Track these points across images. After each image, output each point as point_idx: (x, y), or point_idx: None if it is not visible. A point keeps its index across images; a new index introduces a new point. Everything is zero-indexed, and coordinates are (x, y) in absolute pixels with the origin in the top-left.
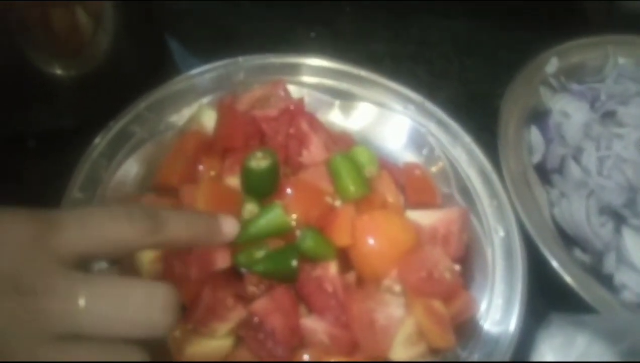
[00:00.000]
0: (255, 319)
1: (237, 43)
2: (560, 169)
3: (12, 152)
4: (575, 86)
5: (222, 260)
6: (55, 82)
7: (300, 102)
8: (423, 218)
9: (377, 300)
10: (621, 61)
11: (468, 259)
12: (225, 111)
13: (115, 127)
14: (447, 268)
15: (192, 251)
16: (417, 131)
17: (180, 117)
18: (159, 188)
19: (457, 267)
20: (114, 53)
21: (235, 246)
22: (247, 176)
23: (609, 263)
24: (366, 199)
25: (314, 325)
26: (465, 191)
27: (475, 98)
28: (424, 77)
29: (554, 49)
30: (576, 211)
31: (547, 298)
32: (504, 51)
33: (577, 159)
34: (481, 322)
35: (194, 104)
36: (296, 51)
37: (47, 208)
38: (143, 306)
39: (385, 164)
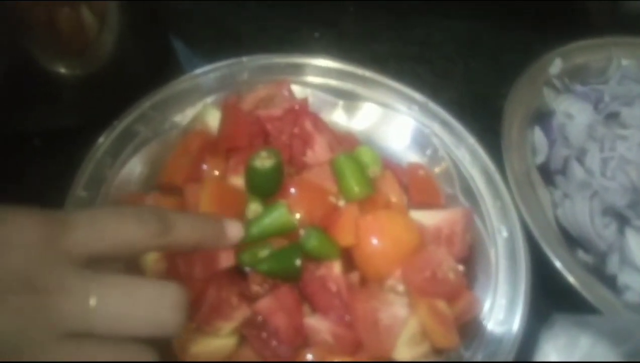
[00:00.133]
0: (259, 318)
1: (241, 43)
2: (564, 170)
3: (17, 151)
4: (578, 87)
5: (226, 259)
6: (60, 81)
7: (304, 102)
8: (427, 218)
9: (381, 300)
10: (625, 62)
11: (471, 259)
12: (229, 110)
13: (120, 126)
14: (450, 268)
15: (196, 251)
16: (420, 132)
17: (184, 116)
18: (163, 187)
19: (460, 267)
20: (118, 53)
21: (240, 245)
22: (252, 175)
23: (612, 264)
24: (370, 200)
25: (318, 325)
26: (469, 192)
27: (479, 99)
28: (427, 78)
29: (557, 50)
30: (579, 212)
31: (550, 298)
32: (507, 52)
33: (580, 160)
34: (485, 322)
35: (198, 104)
36: (300, 51)
37: (51, 207)
38: (153, 305)
39: (389, 165)
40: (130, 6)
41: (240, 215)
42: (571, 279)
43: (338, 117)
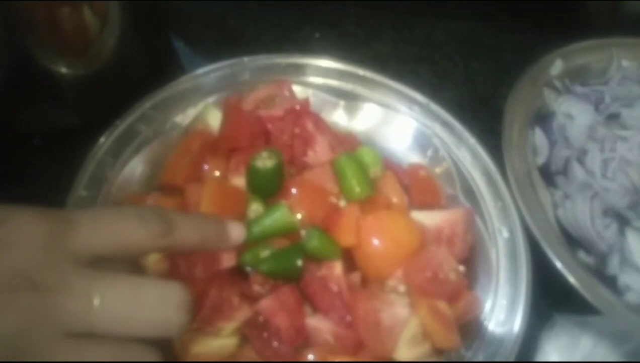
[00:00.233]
0: (260, 318)
1: (242, 43)
2: (565, 171)
3: (18, 150)
4: (579, 88)
5: (228, 259)
6: (61, 81)
7: (305, 102)
8: (428, 218)
9: (382, 300)
10: (625, 63)
11: (472, 260)
12: (230, 110)
13: (121, 126)
14: (451, 269)
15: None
16: (421, 132)
17: (185, 116)
18: (164, 187)
19: (461, 268)
20: (119, 52)
21: (241, 245)
22: (253, 175)
23: (613, 265)
24: (371, 200)
25: (319, 325)
26: (470, 192)
27: (480, 100)
28: (428, 79)
29: (558, 51)
30: (580, 213)
31: (551, 299)
32: (508, 53)
33: (581, 161)
34: (485, 323)
35: (200, 104)
36: (301, 51)
37: (52, 206)
38: (157, 305)
39: (390, 165)
40: (132, 6)
41: (241, 215)
42: (572, 279)
43: (339, 117)
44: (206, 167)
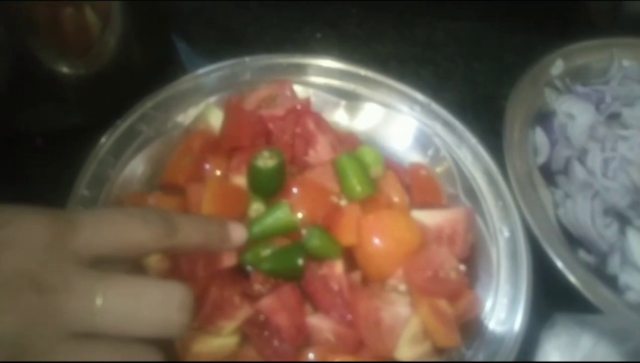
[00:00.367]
0: (261, 317)
1: (243, 43)
2: (565, 171)
3: (20, 150)
4: (580, 88)
5: (229, 258)
6: (63, 81)
7: (306, 102)
8: (428, 218)
9: (383, 299)
10: (626, 63)
11: (473, 259)
12: (232, 110)
13: (122, 126)
14: (452, 268)
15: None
16: (422, 132)
17: (187, 116)
18: (166, 187)
19: (462, 267)
20: (121, 52)
21: (242, 244)
22: (254, 175)
23: (614, 264)
24: (372, 199)
25: (320, 324)
26: (471, 192)
27: (481, 99)
28: (429, 79)
29: (559, 51)
30: (581, 212)
31: (551, 298)
32: (509, 53)
33: (582, 160)
34: (486, 322)
35: (201, 104)
36: (302, 51)
37: (54, 206)
38: (160, 305)
39: (391, 165)
40: (134, 6)
41: (242, 215)
42: (572, 279)
43: (340, 117)
44: (207, 166)
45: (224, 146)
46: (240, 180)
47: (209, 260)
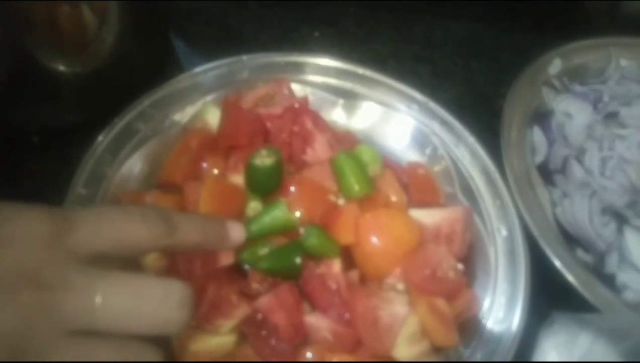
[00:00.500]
0: (259, 316)
1: (241, 42)
2: (563, 170)
3: (16, 148)
4: (577, 87)
5: (226, 257)
6: (60, 79)
7: (304, 100)
8: (426, 217)
9: (381, 298)
10: (623, 62)
11: (471, 258)
12: (229, 108)
13: (120, 124)
14: (450, 267)
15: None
16: (420, 131)
17: (184, 114)
18: (163, 185)
19: (460, 266)
20: (118, 50)
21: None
22: (252, 173)
23: (611, 263)
24: (370, 198)
25: (318, 322)
26: (468, 191)
27: (479, 98)
28: (427, 78)
29: (557, 50)
30: (578, 211)
31: (549, 297)
32: (507, 52)
33: (579, 159)
34: (484, 321)
35: (198, 102)
36: (300, 50)
37: (51, 204)
38: (159, 303)
39: (389, 163)
40: (131, 4)
41: (240, 213)
42: (570, 278)
43: (338, 116)
44: (205, 165)
45: (222, 145)
46: (237, 179)
47: (207, 259)
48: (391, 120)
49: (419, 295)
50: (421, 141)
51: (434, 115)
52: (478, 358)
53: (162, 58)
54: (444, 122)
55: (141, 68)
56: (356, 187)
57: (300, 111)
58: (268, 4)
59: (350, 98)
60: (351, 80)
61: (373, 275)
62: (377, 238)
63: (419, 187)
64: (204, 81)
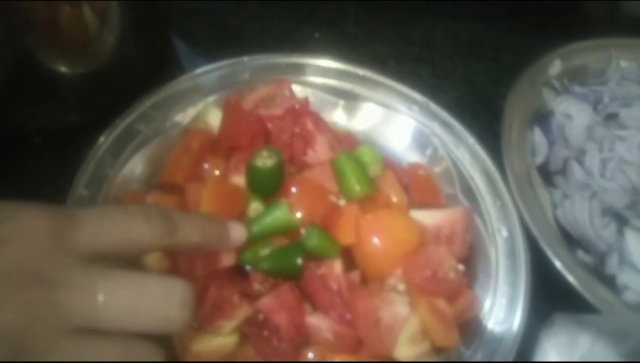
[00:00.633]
0: (260, 316)
1: (242, 43)
2: (563, 171)
3: (18, 149)
4: (578, 88)
5: (228, 258)
6: (61, 79)
7: (305, 101)
8: (427, 217)
9: (382, 299)
10: (624, 63)
11: (472, 259)
12: (230, 109)
13: (121, 125)
14: (451, 268)
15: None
16: (421, 132)
17: (185, 115)
18: (164, 186)
19: (460, 267)
20: (119, 51)
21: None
22: (253, 174)
23: (612, 264)
24: (370, 199)
25: (319, 323)
26: (469, 192)
27: (479, 99)
28: (427, 79)
29: (557, 51)
30: (579, 212)
31: (550, 298)
32: (507, 53)
33: (580, 160)
34: (485, 321)
35: (200, 103)
36: (301, 51)
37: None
38: (161, 301)
39: (390, 164)
40: (132, 5)
41: (241, 214)
42: (571, 279)
43: (338, 117)
44: (206, 166)
45: (223, 146)
46: (239, 180)
47: (208, 260)
48: (392, 121)
49: (420, 295)
50: (422, 142)
51: (434, 116)
52: (479, 358)
53: (163, 59)
54: (444, 123)
55: (142, 69)
56: (357, 188)
57: (301, 112)
58: (269, 5)
59: (350, 99)
60: (352, 81)
61: (374, 276)
62: (377, 239)
63: (419, 188)
64: (205, 82)
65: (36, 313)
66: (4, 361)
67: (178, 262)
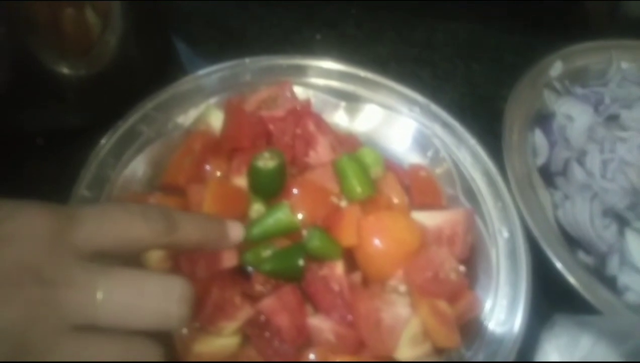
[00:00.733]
0: (262, 318)
1: (243, 44)
2: (564, 172)
3: (21, 150)
4: (579, 90)
5: (230, 259)
6: (64, 81)
7: (306, 103)
8: (428, 219)
9: (383, 300)
10: (625, 64)
11: (473, 260)
12: (232, 111)
13: (123, 126)
14: (452, 269)
15: (200, 250)
16: (422, 133)
17: (187, 117)
18: (166, 188)
19: (462, 268)
20: (122, 53)
21: (243, 245)
22: (255, 176)
23: (613, 265)
24: (372, 200)
25: (320, 324)
26: (470, 193)
27: (480, 101)
28: (428, 80)
29: (558, 52)
30: (580, 214)
31: (551, 299)
32: (508, 54)
33: (580, 162)
34: (486, 322)
35: (201, 105)
36: (302, 52)
37: None
38: (159, 298)
39: (391, 166)
40: (134, 7)
41: (243, 216)
42: (572, 280)
43: (340, 118)
44: (208, 167)
45: (225, 147)
46: (240, 181)
47: (210, 261)
48: (393, 122)
49: (421, 296)
50: (423, 143)
51: (435, 117)
52: (480, 359)
53: (164, 61)
54: (445, 125)
55: (144, 71)
56: (358, 189)
57: (302, 113)
58: (270, 7)
59: (352, 101)
60: (353, 83)
61: (375, 277)
62: (379, 240)
63: (420, 189)
64: (207, 84)
65: (36, 311)
66: (4, 360)
67: (180, 263)
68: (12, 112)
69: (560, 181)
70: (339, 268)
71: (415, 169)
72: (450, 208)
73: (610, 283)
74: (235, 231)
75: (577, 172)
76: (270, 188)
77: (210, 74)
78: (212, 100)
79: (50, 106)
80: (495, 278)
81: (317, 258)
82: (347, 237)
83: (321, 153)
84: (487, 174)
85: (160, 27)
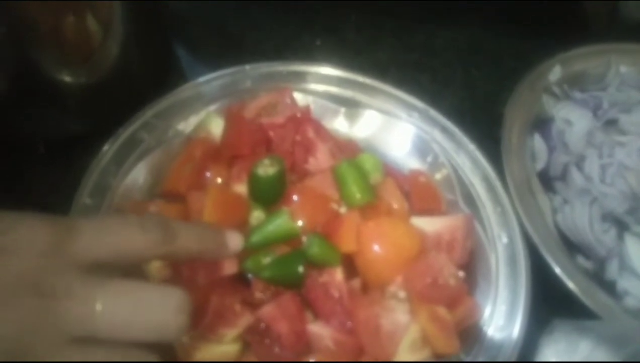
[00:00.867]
0: (262, 325)
1: (243, 51)
2: (563, 177)
3: (22, 158)
4: (578, 94)
5: (230, 266)
6: (65, 89)
7: (306, 109)
8: (428, 224)
9: (383, 306)
10: (623, 69)
11: (472, 265)
12: (232, 118)
13: (124, 134)
14: (451, 275)
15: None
16: (421, 139)
17: (187, 124)
18: (167, 195)
19: (461, 273)
20: (122, 61)
21: (243, 252)
22: (255, 183)
23: (612, 270)
24: (371, 206)
25: (320, 331)
26: (469, 198)
27: (479, 106)
28: (428, 85)
29: (557, 57)
30: (579, 218)
31: (550, 304)
32: (507, 59)
33: (579, 166)
34: (485, 328)
35: (202, 112)
36: (302, 59)
37: (56, 213)
38: (158, 309)
39: (390, 171)
40: (134, 14)
41: (243, 222)
42: (571, 285)
43: (339, 124)
44: (208, 174)
45: (225, 154)
46: (241, 188)
47: (210, 268)
48: (392, 128)
49: (420, 302)
50: (422, 148)
51: (434, 123)
52: None
53: (165, 68)
54: (444, 130)
55: (145, 78)
56: (358, 195)
57: (302, 120)
58: (270, 13)
59: (351, 107)
60: (352, 88)
61: (375, 283)
62: (378, 246)
63: (420, 195)
64: (207, 91)
65: (35, 322)
66: None
67: (180, 271)
68: (13, 119)
69: (560, 185)
70: (338, 274)
71: (414, 174)
72: (450, 213)
73: (609, 287)
74: (234, 241)
75: (576, 177)
76: (270, 195)
77: (210, 81)
78: (212, 107)
79: (51, 114)
80: (494, 283)
81: (316, 265)
82: (347, 243)
83: (320, 159)
84: (486, 179)
85: (161, 34)
